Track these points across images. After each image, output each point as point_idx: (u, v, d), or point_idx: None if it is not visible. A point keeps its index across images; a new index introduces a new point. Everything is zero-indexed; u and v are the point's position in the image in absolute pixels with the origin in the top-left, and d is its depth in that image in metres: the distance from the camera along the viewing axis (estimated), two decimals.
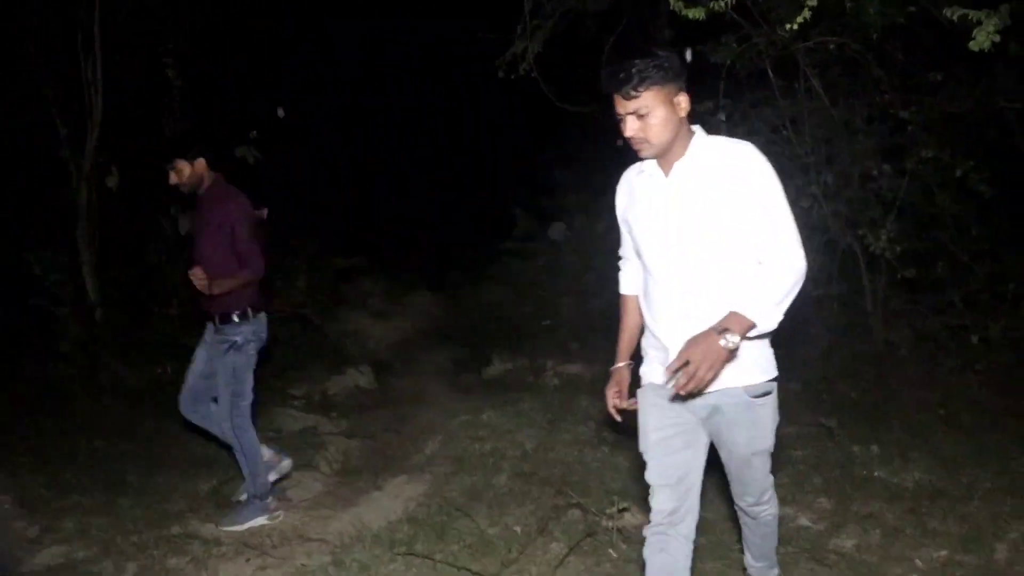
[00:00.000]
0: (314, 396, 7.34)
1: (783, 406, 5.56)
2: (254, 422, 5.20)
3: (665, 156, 2.86)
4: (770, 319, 2.71)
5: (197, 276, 4.68)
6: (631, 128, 2.76)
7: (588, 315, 8.40)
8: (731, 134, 6.50)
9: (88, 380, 7.27)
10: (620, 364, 3.30)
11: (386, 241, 12.60)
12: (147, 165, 8.10)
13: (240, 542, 4.77)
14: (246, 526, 4.97)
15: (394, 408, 7.62)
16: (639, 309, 3.21)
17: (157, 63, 7.56)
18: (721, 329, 2.63)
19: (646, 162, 2.94)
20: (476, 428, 6.16)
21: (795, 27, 4.64)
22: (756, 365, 2.96)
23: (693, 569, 3.05)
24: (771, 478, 3.21)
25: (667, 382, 2.88)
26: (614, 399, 3.24)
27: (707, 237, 2.81)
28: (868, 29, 5.71)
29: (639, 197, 3.00)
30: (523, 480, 5.19)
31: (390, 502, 5.19)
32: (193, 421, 5.18)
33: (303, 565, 4.40)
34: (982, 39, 4.20)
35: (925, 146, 6.08)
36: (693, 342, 2.63)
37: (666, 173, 2.89)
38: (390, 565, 4.26)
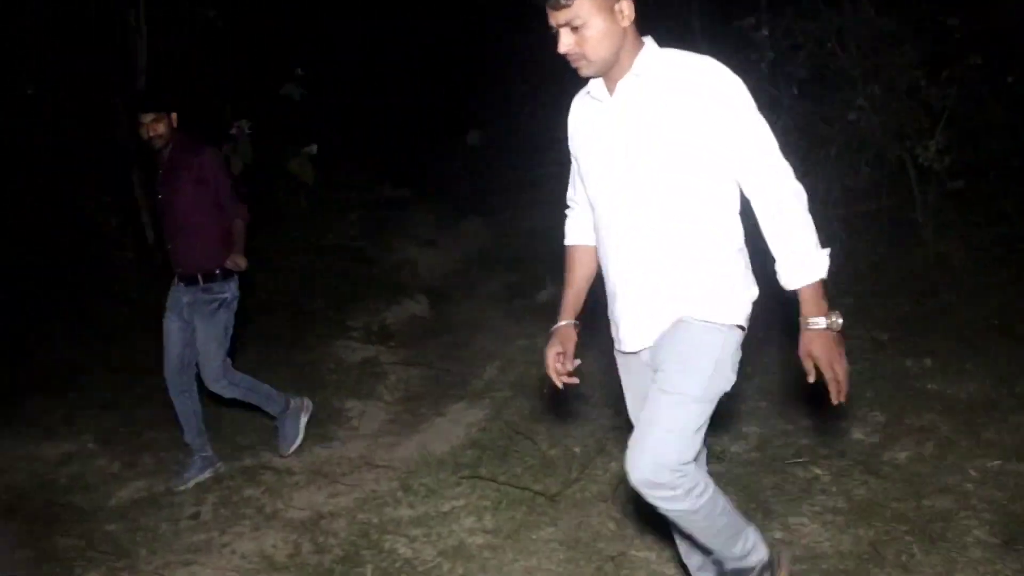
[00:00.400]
0: (372, 327, 7.49)
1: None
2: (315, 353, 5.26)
3: (609, 74, 2.49)
4: (822, 261, 2.39)
5: (240, 264, 4.68)
6: (565, 43, 2.40)
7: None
8: (774, 48, 6.57)
9: (153, 322, 7.44)
10: (562, 323, 2.91)
11: (432, 170, 12.66)
12: (194, 108, 8.33)
13: (311, 471, 4.96)
14: (299, 437, 5.14)
15: (451, 335, 7.76)
16: (587, 262, 2.91)
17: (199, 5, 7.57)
18: (808, 320, 2.38)
19: (591, 82, 2.57)
20: (533, 353, 6.24)
21: None
22: (707, 302, 2.51)
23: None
24: (685, 453, 2.40)
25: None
26: (555, 363, 2.86)
27: (657, 161, 2.43)
28: None
29: (582, 124, 2.66)
30: (581, 402, 5.30)
31: (453, 427, 5.35)
32: (178, 399, 5.04)
33: (373, 491, 4.57)
34: None
35: (973, 54, 5.98)
36: (805, 351, 2.39)
37: (611, 92, 2.52)
38: (456, 488, 4.41)
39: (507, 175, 10.13)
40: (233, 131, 6.79)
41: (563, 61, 2.44)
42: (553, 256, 8.16)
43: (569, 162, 2.77)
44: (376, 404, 5.98)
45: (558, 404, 5.32)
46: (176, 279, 4.83)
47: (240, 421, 5.70)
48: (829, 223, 6.73)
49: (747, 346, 2.59)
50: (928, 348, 5.48)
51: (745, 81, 2.37)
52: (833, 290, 6.37)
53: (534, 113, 9.73)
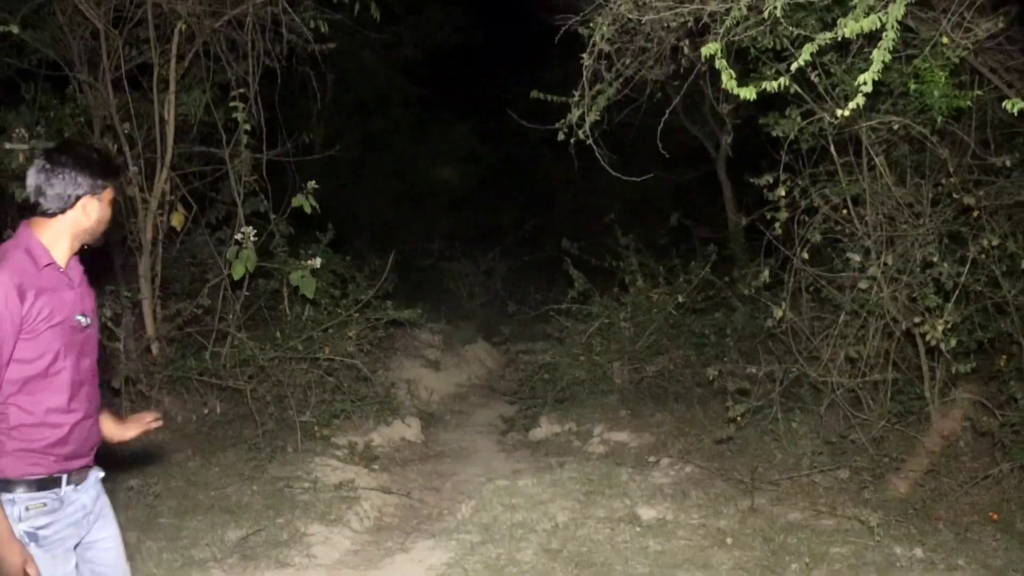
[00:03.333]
0: (357, 447, 7.28)
1: (828, 492, 5.38)
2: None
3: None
4: None
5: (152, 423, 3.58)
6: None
7: (641, 382, 8.27)
8: (791, 210, 6.49)
9: (137, 414, 7.33)
10: None
11: (445, 292, 12.76)
12: (210, 204, 8.38)
13: None
14: None
15: (437, 464, 7.58)
16: None
17: (226, 104, 7.66)
18: None
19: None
20: (511, 495, 6.05)
21: (846, 114, 4.50)
22: None
23: None
24: None
25: None
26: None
27: None
28: (932, 111, 5.55)
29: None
30: (548, 557, 5.07)
31: (412, 568, 5.14)
32: None
33: None
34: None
35: (991, 233, 5.86)
36: None
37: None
38: None
39: (524, 302, 10.07)
40: (238, 236, 6.77)
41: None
42: (555, 393, 8.12)
43: None
44: (342, 532, 5.75)
45: (530, 556, 5.12)
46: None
47: (198, 533, 5.50)
48: (832, 391, 6.56)
49: None
50: (921, 537, 5.21)
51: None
52: (830, 462, 6.20)
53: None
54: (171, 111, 7.67)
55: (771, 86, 4.71)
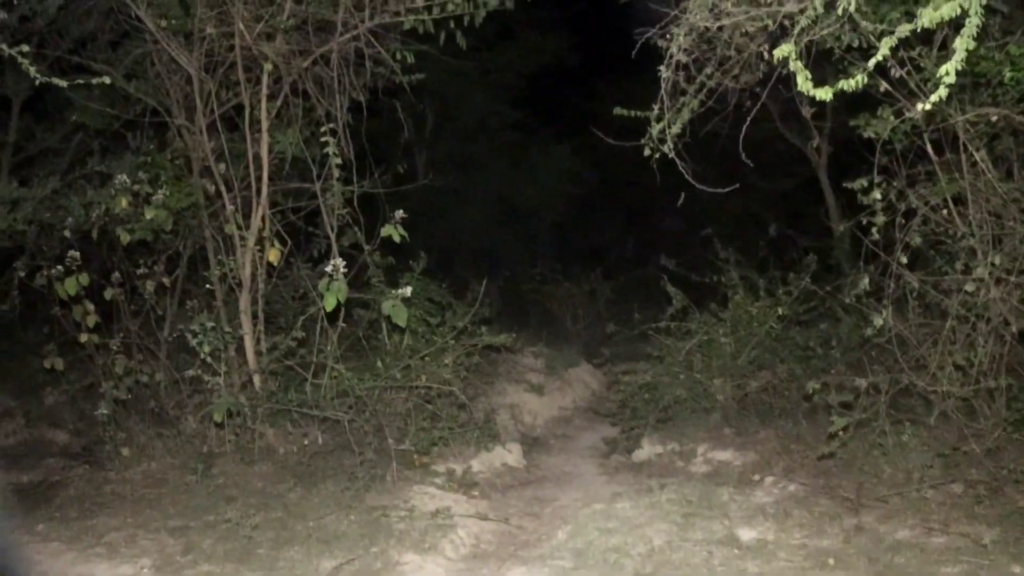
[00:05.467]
0: (457, 474, 7.27)
1: (941, 508, 5.10)
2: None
3: None
4: None
5: None
6: None
7: (744, 398, 8.03)
8: (888, 214, 6.23)
9: (239, 446, 7.50)
10: None
11: (547, 315, 12.73)
12: (307, 239, 8.53)
13: None
14: None
15: (538, 489, 7.50)
16: None
17: (317, 139, 7.79)
18: None
19: None
20: (607, 519, 5.93)
21: (927, 107, 4.28)
22: None
23: None
24: None
25: None
26: None
27: None
28: None
29: None
30: None
31: None
32: None
33: None
34: None
35: None
36: None
37: None
38: None
39: (625, 322, 9.94)
40: (328, 269, 6.85)
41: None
42: (656, 413, 7.96)
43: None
44: (436, 560, 5.70)
45: None
46: None
47: (294, 563, 5.53)
48: (942, 400, 6.25)
49: None
50: None
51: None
52: (942, 475, 5.89)
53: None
54: (264, 150, 7.84)
55: (848, 85, 4.55)
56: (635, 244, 13.67)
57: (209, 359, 7.13)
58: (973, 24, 4.20)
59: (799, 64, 4.58)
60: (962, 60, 4.22)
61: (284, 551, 5.76)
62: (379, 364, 7.78)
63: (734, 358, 8.01)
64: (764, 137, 9.01)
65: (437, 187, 15.01)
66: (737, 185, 6.48)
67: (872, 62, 4.44)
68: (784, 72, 5.92)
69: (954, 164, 6.26)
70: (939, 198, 6.23)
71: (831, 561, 5.07)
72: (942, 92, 4.24)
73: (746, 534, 5.57)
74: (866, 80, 5.78)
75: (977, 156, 6.01)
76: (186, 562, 5.62)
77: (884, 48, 4.45)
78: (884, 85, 6.00)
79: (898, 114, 6.17)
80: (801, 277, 8.06)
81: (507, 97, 15.72)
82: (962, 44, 4.20)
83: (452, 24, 8.05)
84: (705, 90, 6.52)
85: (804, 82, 4.55)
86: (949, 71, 4.20)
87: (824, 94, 4.51)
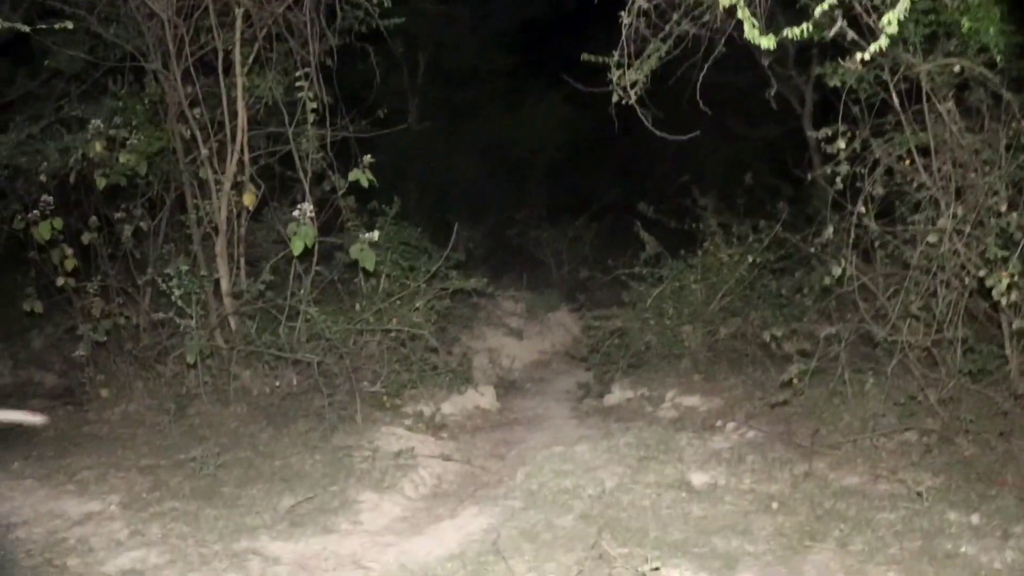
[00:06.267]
0: (426, 415, 7.37)
1: (892, 456, 5.15)
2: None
3: None
4: None
5: None
6: None
7: (715, 345, 8.09)
8: (852, 163, 6.21)
9: (215, 387, 7.62)
10: None
11: (532, 260, 12.78)
12: (282, 184, 8.56)
13: (297, 563, 4.86)
14: None
15: (508, 432, 7.61)
16: None
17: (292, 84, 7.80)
18: None
19: None
20: (565, 461, 6.03)
21: (866, 57, 4.27)
22: None
23: None
24: None
25: None
26: None
27: None
28: (992, 51, 5.22)
29: None
30: (586, 523, 5.03)
31: (452, 534, 5.16)
32: None
33: None
34: None
35: None
36: None
37: None
38: None
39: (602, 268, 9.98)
40: (295, 213, 6.90)
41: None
42: (626, 358, 8.04)
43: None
44: (394, 498, 5.82)
45: (570, 521, 5.09)
46: None
47: (255, 501, 5.65)
48: (902, 350, 6.28)
49: None
50: (980, 503, 4.95)
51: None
52: (898, 424, 5.95)
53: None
54: (239, 94, 7.85)
55: (793, 33, 4.52)
56: (621, 191, 13.59)
57: (180, 302, 7.20)
58: None
59: (746, 12, 4.55)
60: (906, 9, 4.20)
61: (247, 489, 5.88)
62: (354, 308, 7.87)
63: (705, 305, 8.06)
64: (751, 85, 8.92)
65: (428, 132, 15.07)
66: (697, 132, 6.48)
67: (819, 10, 4.42)
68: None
69: (920, 115, 6.23)
70: (903, 149, 6.20)
71: (775, 505, 5.16)
72: (883, 42, 4.24)
73: (698, 478, 5.66)
74: (822, 30, 5.84)
75: (941, 108, 5.98)
76: (152, 499, 5.74)
77: None
78: (852, 34, 5.95)
79: (865, 63, 6.12)
80: (772, 225, 8.07)
81: (501, 43, 15.60)
82: None
83: None
84: (674, 36, 6.49)
85: (751, 30, 4.53)
86: (892, 20, 4.18)
87: (768, 42, 4.49)
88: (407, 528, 5.42)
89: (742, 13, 4.57)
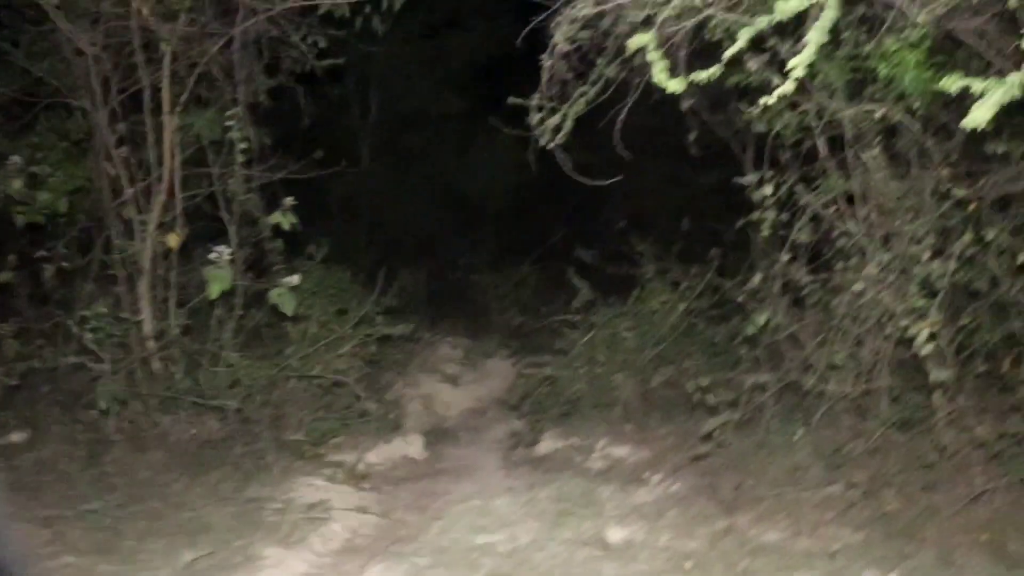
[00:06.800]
0: (350, 465, 7.14)
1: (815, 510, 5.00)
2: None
3: None
4: None
5: None
6: None
7: (647, 394, 7.93)
8: (777, 209, 6.12)
9: (132, 433, 7.36)
10: None
11: (469, 304, 12.63)
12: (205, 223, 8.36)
13: None
14: None
15: (433, 482, 7.37)
16: None
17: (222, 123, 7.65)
18: None
19: None
20: (481, 515, 5.85)
21: (771, 102, 4.17)
22: None
23: None
24: None
25: None
26: None
27: None
28: (909, 97, 5.14)
29: None
30: None
31: None
32: None
33: None
34: (979, 115, 3.61)
35: (988, 227, 5.40)
36: None
37: None
38: None
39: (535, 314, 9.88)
40: (212, 255, 6.71)
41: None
42: (558, 407, 7.87)
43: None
44: (301, 554, 5.58)
45: None
46: None
47: (154, 556, 5.40)
48: (829, 401, 6.15)
49: None
50: (901, 559, 4.80)
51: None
52: (824, 476, 5.80)
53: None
54: (167, 133, 7.69)
55: (700, 77, 4.42)
56: (568, 235, 13.48)
57: (93, 345, 6.97)
58: (827, 17, 4.09)
59: (656, 54, 4.46)
60: (813, 54, 4.11)
61: (148, 543, 5.63)
62: (281, 352, 7.68)
63: (637, 352, 7.91)
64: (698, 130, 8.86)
65: (379, 174, 14.96)
66: (620, 177, 6.36)
67: (728, 54, 4.32)
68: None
69: (849, 162, 6.16)
70: (828, 196, 6.11)
71: (688, 565, 4.98)
72: (789, 86, 4.12)
73: (615, 534, 5.47)
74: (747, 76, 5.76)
75: (866, 155, 5.90)
76: (48, 553, 5.47)
77: (742, 40, 4.34)
78: (776, 79, 5.89)
79: (792, 108, 6.06)
80: (704, 272, 7.97)
81: (453, 86, 15.54)
82: (815, 37, 4.10)
83: (368, 9, 7.90)
84: (603, 80, 6.41)
85: (659, 73, 4.43)
86: (798, 64, 4.08)
87: (677, 86, 4.39)
88: None
89: (651, 56, 4.47)
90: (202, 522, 5.94)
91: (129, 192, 7.68)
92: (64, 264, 7.86)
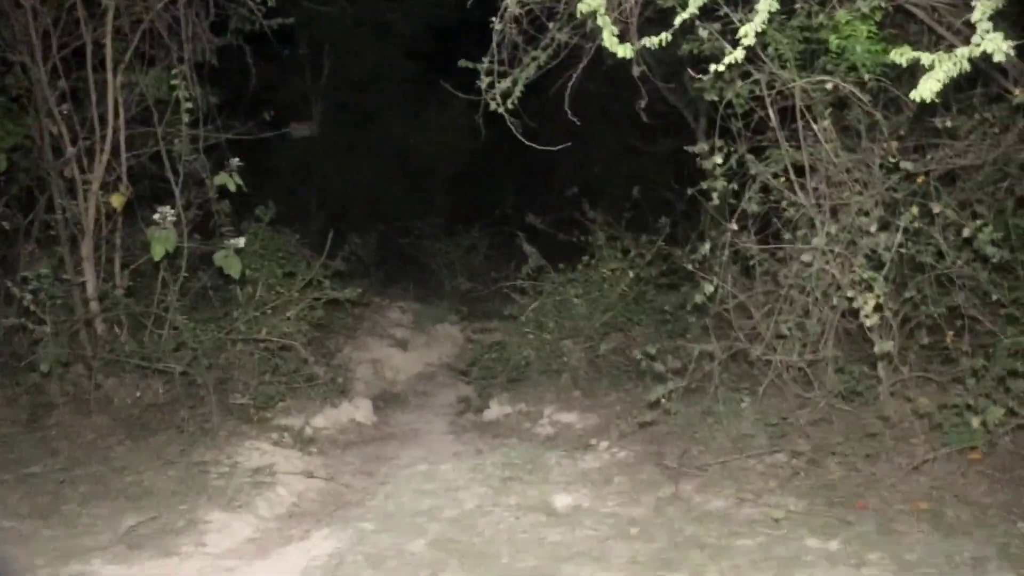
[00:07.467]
0: (295, 429, 7.08)
1: (760, 478, 5.01)
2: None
3: None
4: None
5: None
6: None
7: (595, 360, 7.95)
8: (728, 179, 6.14)
9: (77, 397, 7.25)
10: None
11: (420, 269, 12.59)
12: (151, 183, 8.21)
13: None
14: None
15: (381, 447, 7.36)
16: None
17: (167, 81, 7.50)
18: None
19: None
20: (428, 481, 5.83)
21: (720, 69, 4.17)
22: None
23: None
24: None
25: None
26: None
27: None
28: (860, 69, 5.16)
29: None
30: (438, 548, 4.82)
31: (297, 559, 4.89)
32: None
33: None
34: (927, 88, 3.63)
35: (935, 200, 5.46)
36: None
37: None
38: None
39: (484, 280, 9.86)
40: (155, 216, 6.59)
41: None
42: (506, 373, 7.87)
43: None
44: (245, 518, 5.52)
45: (421, 546, 4.87)
46: None
47: (96, 520, 5.32)
48: (775, 370, 6.22)
49: None
50: (841, 528, 4.84)
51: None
52: (769, 444, 5.86)
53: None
54: (110, 91, 7.51)
55: (651, 42, 4.39)
56: (520, 201, 13.45)
57: (34, 307, 6.82)
58: None
59: (606, 19, 4.42)
60: (763, 22, 4.10)
61: (90, 507, 5.55)
62: (227, 316, 7.58)
63: (586, 320, 7.92)
64: (650, 99, 8.86)
65: (330, 137, 14.79)
66: (569, 143, 6.34)
67: (678, 20, 4.31)
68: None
69: (799, 133, 6.18)
70: (778, 166, 6.13)
71: (634, 531, 4.99)
72: (739, 53, 4.13)
73: (561, 500, 5.47)
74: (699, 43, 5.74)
75: (816, 126, 5.92)
76: None
77: (692, 7, 4.33)
78: (728, 47, 5.88)
79: (743, 77, 6.07)
80: (654, 240, 7.99)
81: (406, 49, 15.37)
82: (765, 6, 4.09)
83: None
84: (554, 44, 6.37)
85: (609, 38, 4.40)
86: (748, 33, 4.08)
87: (625, 51, 4.36)
88: (253, 551, 5.14)
89: (601, 20, 4.44)
90: (145, 486, 5.86)
91: (72, 151, 7.52)
92: (4, 224, 7.71)
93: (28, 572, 4.69)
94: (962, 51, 3.63)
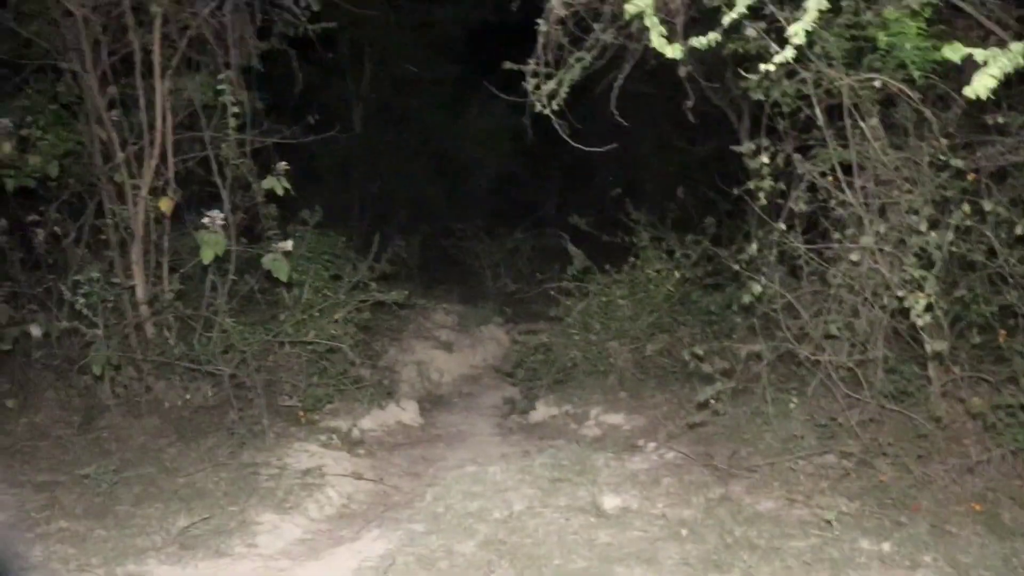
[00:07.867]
0: (344, 431, 7.14)
1: (809, 479, 4.97)
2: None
3: None
4: None
5: None
6: None
7: (642, 361, 7.93)
8: (774, 178, 6.09)
9: (128, 399, 7.35)
10: None
11: (463, 271, 12.61)
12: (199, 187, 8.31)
13: None
14: None
15: (428, 448, 7.39)
16: None
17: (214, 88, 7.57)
18: None
19: None
20: (476, 482, 5.82)
21: (771, 68, 4.14)
22: None
23: None
24: None
25: None
26: None
27: None
28: (910, 67, 5.10)
29: None
30: (488, 549, 4.82)
31: (348, 560, 4.94)
32: None
33: None
34: (981, 84, 3.58)
35: (987, 198, 5.39)
36: None
37: None
38: None
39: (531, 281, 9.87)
40: (204, 220, 6.67)
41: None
42: (552, 374, 7.87)
43: None
44: (295, 520, 5.58)
45: (472, 548, 4.89)
46: None
47: (150, 521, 5.39)
48: (824, 370, 6.16)
49: None
50: (894, 529, 4.81)
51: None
52: (818, 446, 5.81)
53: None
54: (158, 97, 7.62)
55: (699, 43, 4.37)
56: (562, 202, 13.46)
57: (86, 310, 6.92)
58: None
59: (654, 20, 4.39)
60: (813, 20, 4.06)
61: (143, 508, 5.62)
62: (275, 319, 7.65)
63: (632, 320, 7.90)
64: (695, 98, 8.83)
65: (372, 140, 14.87)
66: (615, 144, 6.33)
67: (727, 19, 4.27)
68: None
69: (847, 131, 6.12)
70: (827, 165, 6.08)
71: (684, 532, 4.98)
72: (788, 53, 4.09)
73: (610, 501, 5.47)
74: (746, 42, 5.70)
75: (864, 124, 5.86)
76: (42, 518, 5.49)
77: (740, 6, 4.29)
78: (775, 47, 5.83)
79: (790, 76, 6.02)
80: (699, 240, 7.95)
81: (447, 51, 15.44)
82: (814, 4, 4.05)
83: None
84: (599, 46, 6.35)
85: (657, 39, 4.37)
86: (798, 31, 4.04)
87: (674, 52, 4.33)
88: (304, 552, 5.20)
89: (649, 21, 4.42)
90: (197, 487, 5.93)
91: (120, 156, 7.61)
92: (56, 229, 7.82)
93: (84, 571, 4.77)
94: (1017, 46, 3.57)
